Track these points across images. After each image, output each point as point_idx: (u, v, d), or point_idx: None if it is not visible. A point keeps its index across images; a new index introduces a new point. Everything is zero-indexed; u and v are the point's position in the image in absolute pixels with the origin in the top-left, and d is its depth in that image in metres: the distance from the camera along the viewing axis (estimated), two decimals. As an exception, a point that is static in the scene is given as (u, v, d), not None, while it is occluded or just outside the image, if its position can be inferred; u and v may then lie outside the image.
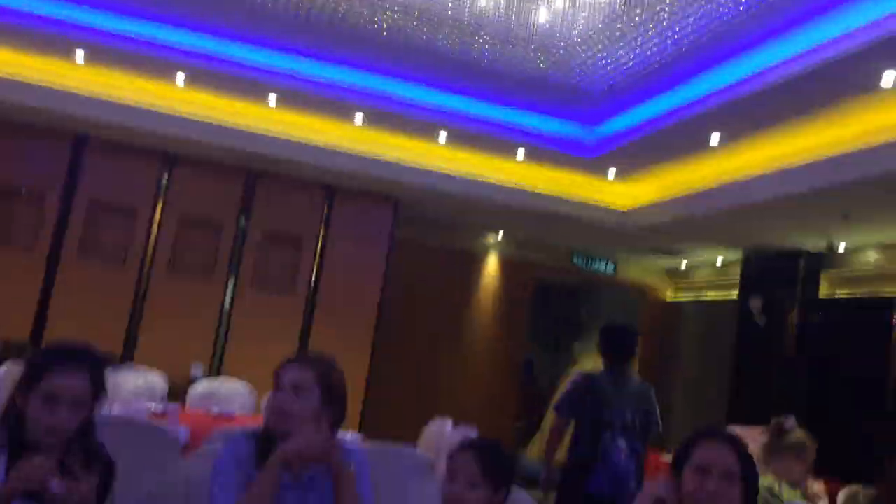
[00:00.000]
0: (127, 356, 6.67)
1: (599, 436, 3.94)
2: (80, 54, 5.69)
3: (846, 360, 6.74)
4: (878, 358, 6.41)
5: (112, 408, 4.26)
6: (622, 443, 3.92)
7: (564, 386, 4.45)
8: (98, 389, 1.97)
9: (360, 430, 6.53)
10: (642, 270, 9.58)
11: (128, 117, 6.23)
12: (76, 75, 6.06)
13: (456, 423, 4.73)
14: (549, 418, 4.96)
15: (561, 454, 4.19)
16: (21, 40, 5.61)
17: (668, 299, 9.63)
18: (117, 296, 6.80)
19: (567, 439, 4.17)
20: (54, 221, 6.71)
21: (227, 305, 7.08)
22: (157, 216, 6.97)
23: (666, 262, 9.24)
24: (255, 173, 7.20)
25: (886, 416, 6.08)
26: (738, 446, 1.97)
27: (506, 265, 9.07)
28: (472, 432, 4.30)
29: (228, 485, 2.07)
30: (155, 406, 4.47)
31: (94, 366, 1.97)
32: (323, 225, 7.39)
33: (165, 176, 7.01)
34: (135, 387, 5.22)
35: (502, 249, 9.10)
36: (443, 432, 4.55)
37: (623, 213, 7.29)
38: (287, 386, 2.18)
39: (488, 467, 2.19)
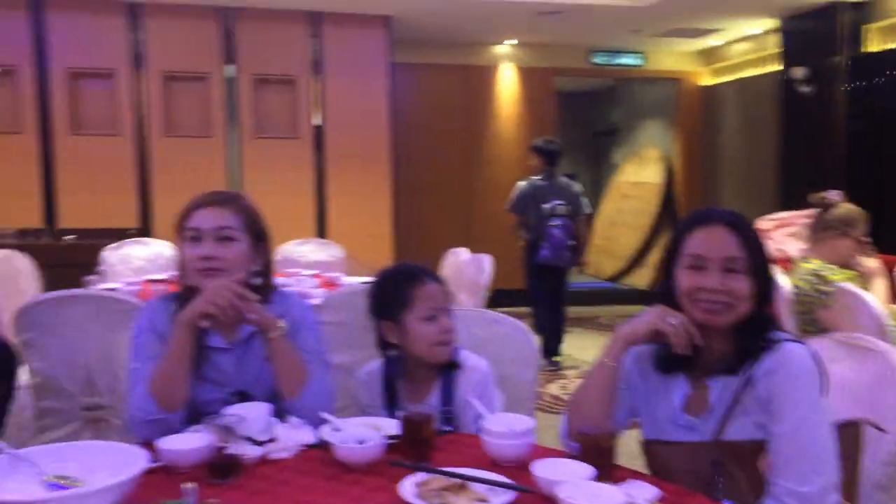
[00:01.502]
0: (145, 229, 6.47)
1: (541, 221, 5.54)
2: None
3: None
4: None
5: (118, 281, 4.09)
6: (557, 222, 5.49)
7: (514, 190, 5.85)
8: None
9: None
10: (673, 57, 8.80)
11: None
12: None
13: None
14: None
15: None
16: None
17: (705, 84, 8.89)
18: (118, 168, 6.53)
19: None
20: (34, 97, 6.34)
21: (234, 159, 6.74)
22: (138, 77, 6.53)
23: (698, 43, 8.42)
24: (232, 12, 6.61)
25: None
26: (738, 228, 1.54)
27: (522, 75, 8.39)
28: (487, 261, 4.02)
29: (146, 356, 1.82)
30: (155, 276, 4.25)
31: None
32: (314, 59, 6.84)
33: (138, 32, 6.48)
34: (144, 258, 5.03)
35: (516, 59, 8.39)
36: (458, 262, 4.25)
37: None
38: (209, 233, 1.87)
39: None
